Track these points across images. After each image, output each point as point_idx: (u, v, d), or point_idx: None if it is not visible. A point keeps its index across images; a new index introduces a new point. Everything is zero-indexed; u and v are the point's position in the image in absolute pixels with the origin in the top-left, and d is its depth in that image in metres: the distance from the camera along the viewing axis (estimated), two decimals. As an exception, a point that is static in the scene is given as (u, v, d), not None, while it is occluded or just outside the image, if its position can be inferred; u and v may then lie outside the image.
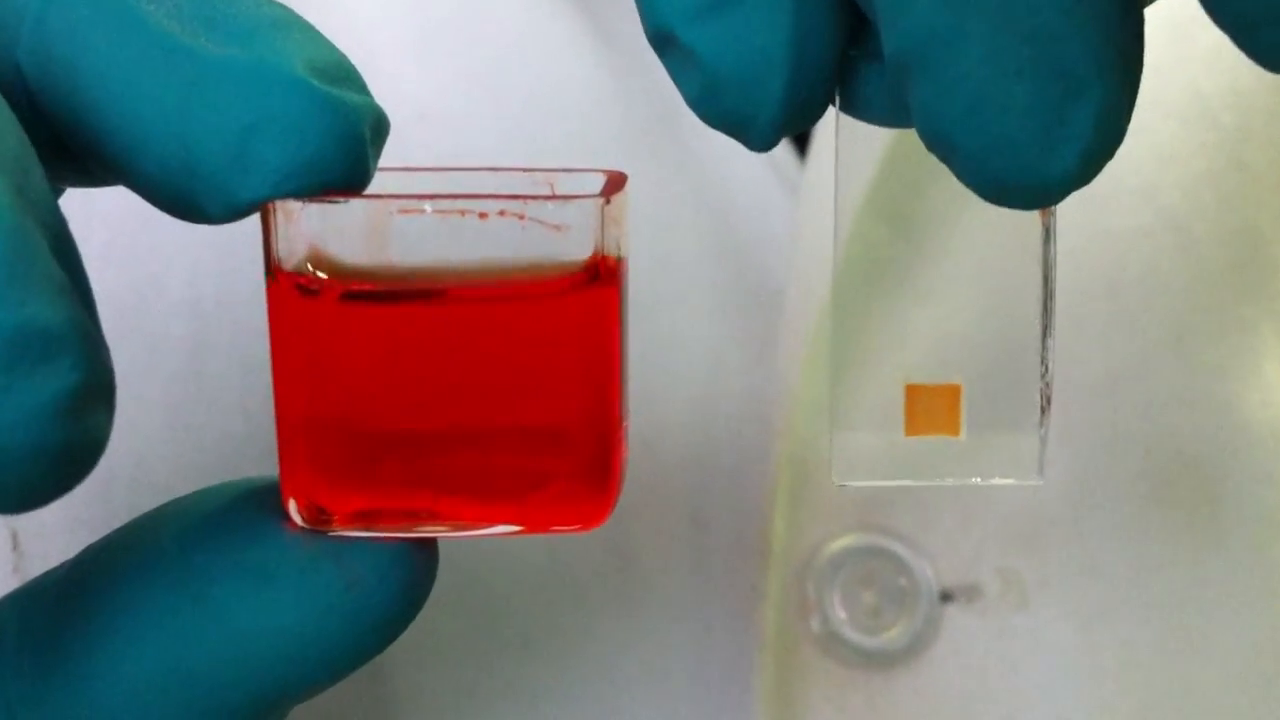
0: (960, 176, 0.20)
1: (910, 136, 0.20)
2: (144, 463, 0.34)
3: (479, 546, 0.35)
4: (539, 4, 0.36)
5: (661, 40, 0.20)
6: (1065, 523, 0.36)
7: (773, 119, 0.20)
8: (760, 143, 0.21)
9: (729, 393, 0.35)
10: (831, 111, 0.22)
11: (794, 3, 0.20)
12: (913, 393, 0.22)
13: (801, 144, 0.36)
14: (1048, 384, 0.22)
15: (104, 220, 0.34)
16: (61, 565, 0.23)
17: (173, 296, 0.34)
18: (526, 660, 0.35)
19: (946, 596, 0.36)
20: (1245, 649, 0.36)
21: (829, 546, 0.35)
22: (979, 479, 0.22)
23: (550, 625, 0.35)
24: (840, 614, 0.35)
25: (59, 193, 0.22)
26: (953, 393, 0.22)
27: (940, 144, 0.19)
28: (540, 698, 0.35)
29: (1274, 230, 0.36)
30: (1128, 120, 0.19)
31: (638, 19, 0.21)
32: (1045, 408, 0.22)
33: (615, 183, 0.21)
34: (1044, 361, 0.22)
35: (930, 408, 0.22)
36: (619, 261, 0.21)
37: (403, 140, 0.35)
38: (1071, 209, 0.36)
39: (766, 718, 0.35)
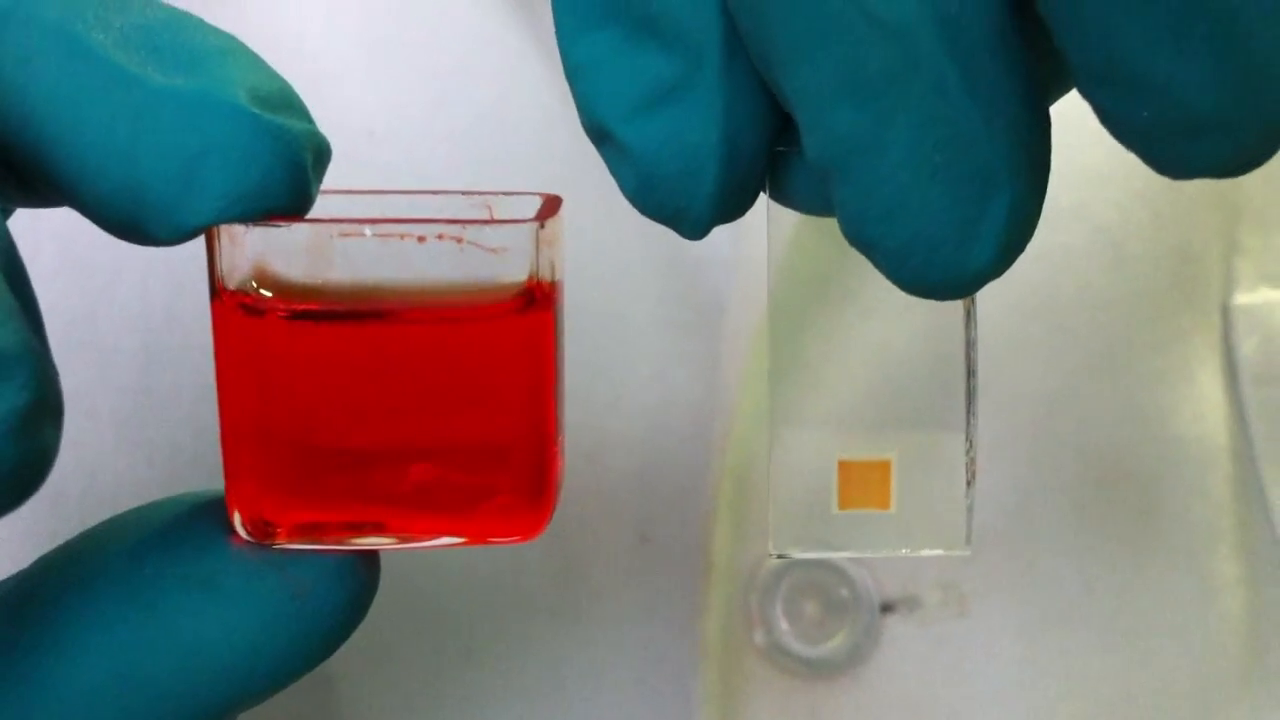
0: (882, 271, 0.20)
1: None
2: (94, 476, 0.34)
3: (427, 560, 0.35)
4: (488, 23, 0.36)
5: (598, 135, 0.21)
6: (1003, 534, 0.36)
7: (704, 213, 0.21)
8: (693, 233, 0.21)
9: (674, 409, 0.36)
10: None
11: (724, 104, 0.20)
12: (845, 469, 0.23)
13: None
14: (972, 459, 0.23)
15: (54, 234, 0.34)
16: (12, 576, 0.23)
17: (123, 310, 0.34)
18: (472, 670, 0.36)
19: (887, 607, 0.36)
20: (1181, 656, 0.37)
21: (772, 559, 0.36)
22: (907, 550, 0.23)
23: (496, 636, 0.36)
24: (783, 624, 0.36)
25: (8, 212, 0.23)
26: (883, 468, 0.23)
27: (862, 242, 0.20)
28: (485, 706, 0.36)
29: (1206, 248, 0.37)
30: (1038, 215, 0.20)
31: None
32: (971, 481, 0.23)
33: (550, 207, 0.22)
34: (968, 438, 0.23)
35: (862, 482, 0.23)
36: (554, 285, 0.22)
37: (351, 158, 0.35)
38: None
39: None
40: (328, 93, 0.35)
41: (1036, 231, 0.36)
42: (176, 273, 0.34)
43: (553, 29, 0.37)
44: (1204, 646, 0.37)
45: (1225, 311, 0.37)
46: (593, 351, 0.35)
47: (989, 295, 0.35)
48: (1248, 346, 0.37)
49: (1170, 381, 0.37)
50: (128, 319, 0.34)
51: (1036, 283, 0.36)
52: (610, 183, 0.36)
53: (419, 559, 0.35)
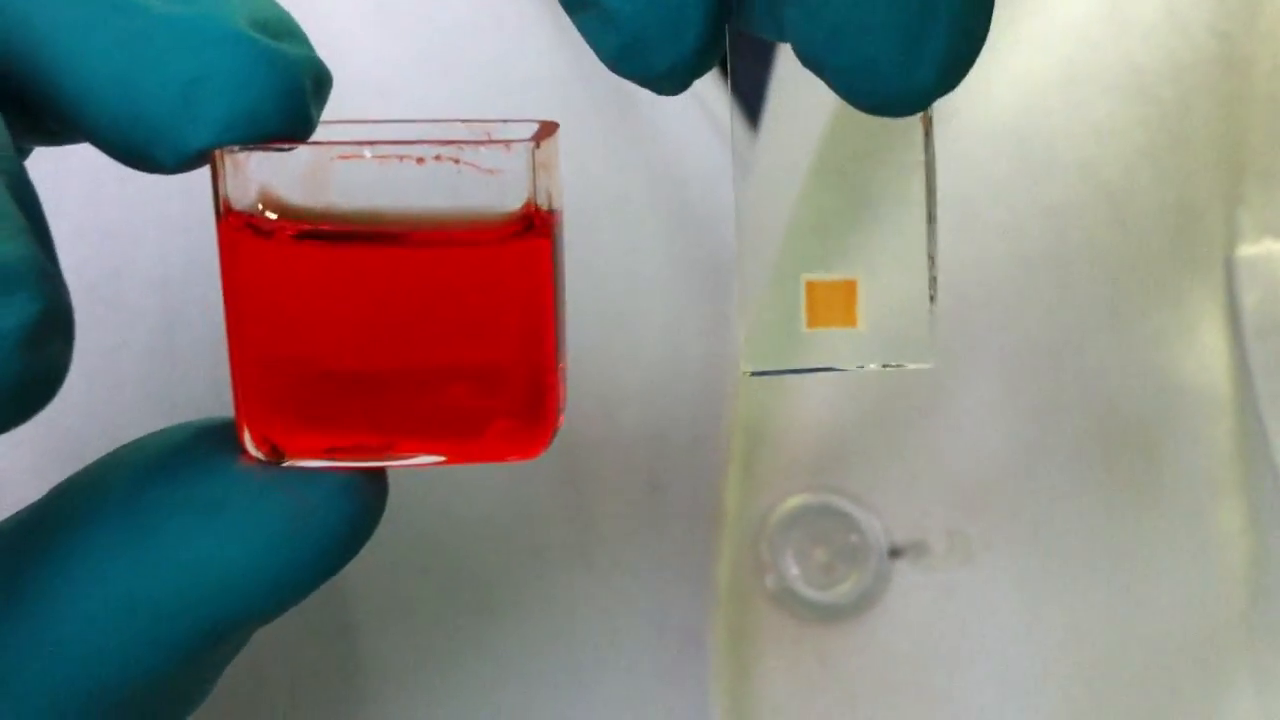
0: (834, 90, 0.21)
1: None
2: (117, 436, 0.34)
3: (442, 513, 0.36)
4: None
5: (575, 2, 0.21)
6: (1008, 484, 0.37)
7: (689, 70, 0.21)
8: (675, 90, 0.22)
9: (685, 361, 0.36)
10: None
11: None
12: (812, 288, 0.24)
13: (753, 118, 0.37)
14: (934, 275, 0.23)
15: (76, 198, 0.34)
16: (23, 509, 0.23)
17: (143, 274, 0.35)
18: (488, 620, 0.36)
19: (896, 553, 0.36)
20: (1181, 606, 0.37)
21: (782, 506, 0.36)
22: (875, 364, 0.24)
23: (512, 587, 0.36)
24: (793, 570, 0.36)
25: (25, 152, 0.23)
26: (849, 287, 0.24)
27: (811, 62, 0.21)
28: (502, 656, 0.36)
29: (1209, 203, 0.37)
30: (983, 35, 0.21)
31: None
32: (933, 296, 0.23)
33: (546, 130, 0.22)
34: (929, 253, 0.23)
35: (829, 301, 0.24)
36: (551, 213, 0.22)
37: (359, 114, 0.35)
38: (1013, 184, 0.37)
39: (721, 672, 0.36)
40: (336, 50, 0.35)
41: (1040, 186, 0.36)
42: (196, 236, 0.35)
43: None
44: (1206, 597, 0.37)
45: (1228, 264, 0.37)
46: (605, 306, 0.36)
47: (993, 251, 0.36)
48: (1251, 299, 0.37)
49: (1174, 334, 0.37)
50: (148, 283, 0.35)
51: (1041, 238, 0.36)
52: (620, 138, 0.36)
53: (436, 515, 0.36)
